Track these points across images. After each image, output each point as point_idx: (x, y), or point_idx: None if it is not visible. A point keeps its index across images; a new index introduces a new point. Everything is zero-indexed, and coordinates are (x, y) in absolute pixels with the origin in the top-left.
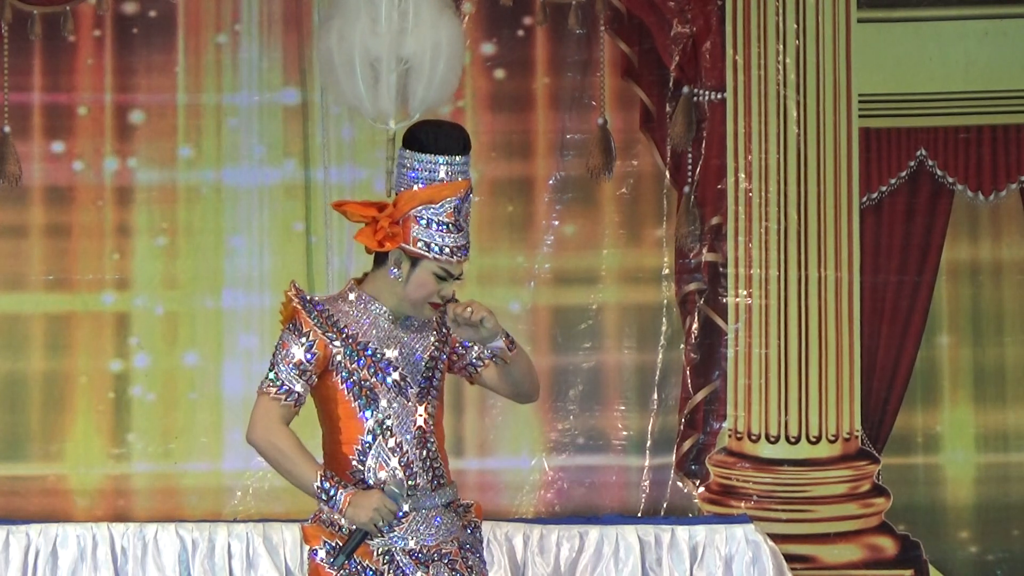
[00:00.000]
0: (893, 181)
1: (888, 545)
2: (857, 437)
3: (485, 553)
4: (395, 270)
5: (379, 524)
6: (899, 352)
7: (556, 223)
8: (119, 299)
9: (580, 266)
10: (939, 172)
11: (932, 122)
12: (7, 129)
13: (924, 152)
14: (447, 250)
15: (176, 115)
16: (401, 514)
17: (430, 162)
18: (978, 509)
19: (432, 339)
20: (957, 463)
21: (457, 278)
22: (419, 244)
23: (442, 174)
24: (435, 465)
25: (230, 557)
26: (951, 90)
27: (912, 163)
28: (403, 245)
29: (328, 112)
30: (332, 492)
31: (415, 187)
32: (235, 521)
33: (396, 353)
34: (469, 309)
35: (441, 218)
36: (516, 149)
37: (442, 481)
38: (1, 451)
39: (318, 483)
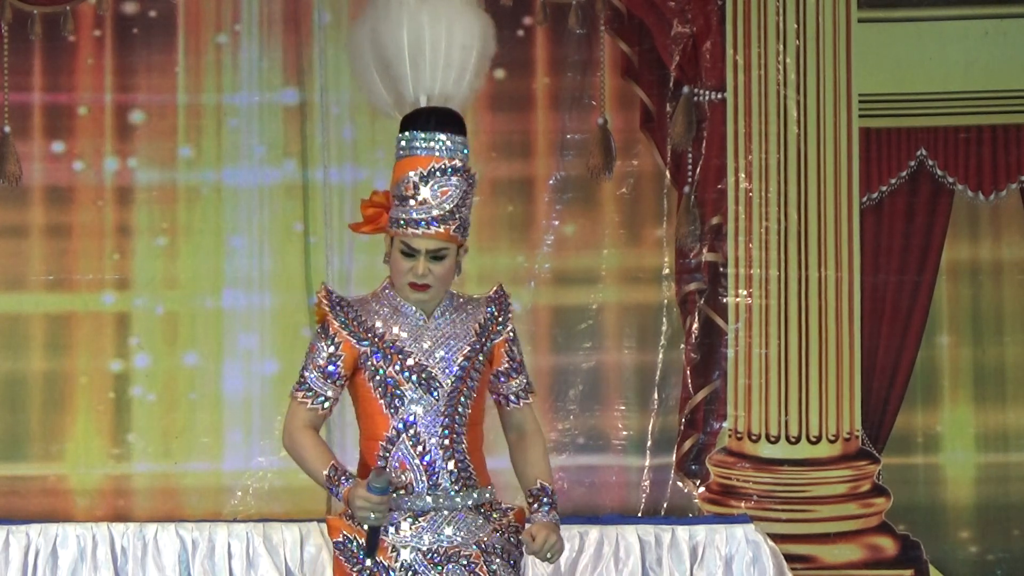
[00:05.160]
0: (893, 181)
1: (888, 545)
2: (857, 437)
3: None
4: (387, 254)
5: (371, 518)
6: (899, 352)
7: (556, 223)
8: (119, 299)
9: (580, 266)
10: (939, 172)
11: (932, 122)
12: (7, 129)
13: (924, 152)
14: (402, 222)
15: (176, 115)
16: (420, 512)
17: (400, 139)
18: (978, 509)
19: (470, 340)
20: (957, 463)
21: (438, 257)
22: (391, 222)
23: (410, 149)
24: (462, 466)
25: (230, 557)
26: (951, 90)
27: (912, 163)
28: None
29: (328, 112)
30: (336, 486)
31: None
32: (235, 521)
33: (426, 351)
34: (549, 554)
35: (403, 192)
36: (516, 149)
37: (470, 483)
38: (1, 451)
39: (327, 473)
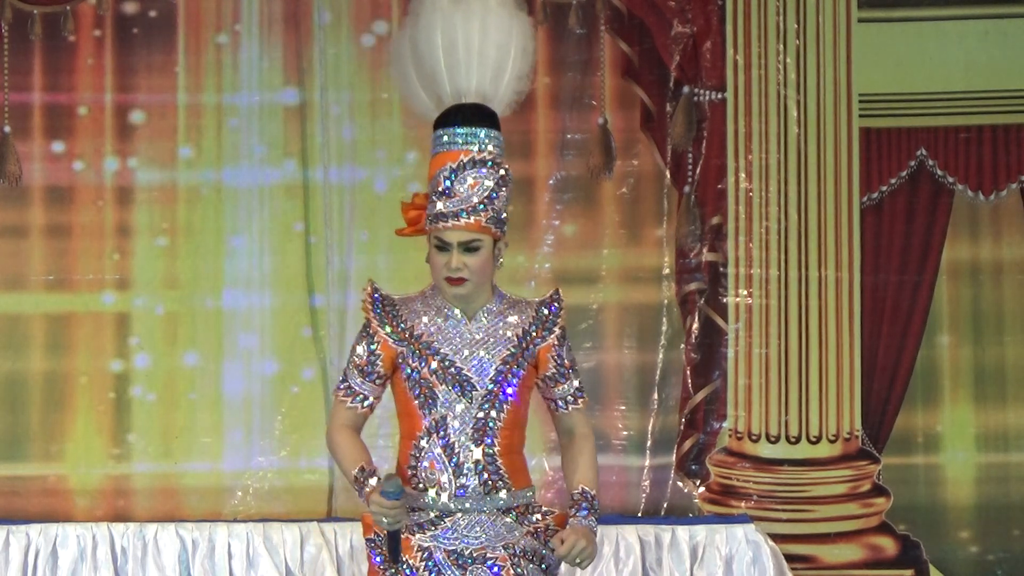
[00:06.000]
0: (893, 181)
1: (888, 545)
2: (857, 437)
3: None
4: (428, 254)
5: (383, 522)
6: (899, 352)
7: (556, 223)
8: (119, 299)
9: (580, 266)
10: (939, 172)
11: (932, 122)
12: (7, 129)
13: (924, 152)
14: (435, 217)
15: (176, 115)
16: (447, 512)
17: (432, 138)
18: (978, 509)
19: (511, 344)
20: (957, 463)
21: (471, 249)
22: (427, 220)
23: (440, 145)
24: (492, 468)
25: (230, 557)
26: (951, 90)
27: (912, 163)
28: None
29: (328, 112)
30: (362, 487)
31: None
32: (235, 521)
33: (463, 353)
34: (578, 560)
35: (436, 188)
36: (516, 149)
37: (501, 485)
38: (1, 451)
39: (355, 474)
